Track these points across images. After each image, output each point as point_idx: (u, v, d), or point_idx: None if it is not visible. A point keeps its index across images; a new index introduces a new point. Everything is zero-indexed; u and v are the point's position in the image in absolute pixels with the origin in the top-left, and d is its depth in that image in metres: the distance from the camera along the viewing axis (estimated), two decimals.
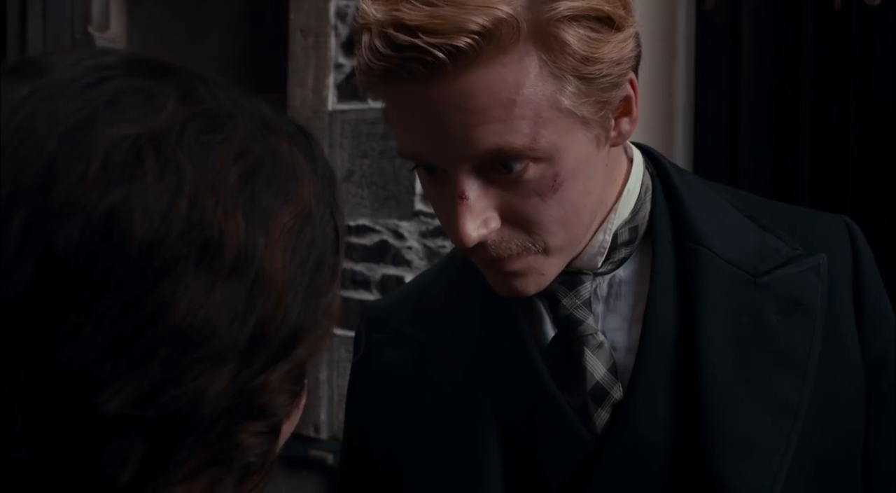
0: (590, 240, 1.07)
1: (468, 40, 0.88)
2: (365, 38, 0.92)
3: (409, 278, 3.09)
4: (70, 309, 0.55)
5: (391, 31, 0.89)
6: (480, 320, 1.14)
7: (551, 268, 1.03)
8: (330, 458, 3.24)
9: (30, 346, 0.55)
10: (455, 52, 0.88)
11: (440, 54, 0.88)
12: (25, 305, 0.54)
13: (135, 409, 0.56)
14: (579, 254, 1.07)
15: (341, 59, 3.25)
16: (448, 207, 0.98)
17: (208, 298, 0.58)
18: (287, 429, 0.69)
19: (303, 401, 0.71)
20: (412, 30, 0.88)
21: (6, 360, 0.55)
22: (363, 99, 3.18)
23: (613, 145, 1.03)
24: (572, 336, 1.08)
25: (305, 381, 0.69)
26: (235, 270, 0.59)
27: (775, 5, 2.75)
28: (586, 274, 1.08)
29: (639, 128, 1.04)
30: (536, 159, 0.95)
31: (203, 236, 0.58)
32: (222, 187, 0.60)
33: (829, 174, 2.67)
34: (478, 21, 0.88)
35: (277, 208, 0.63)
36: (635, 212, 1.09)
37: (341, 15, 3.23)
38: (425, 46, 0.88)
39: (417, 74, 0.90)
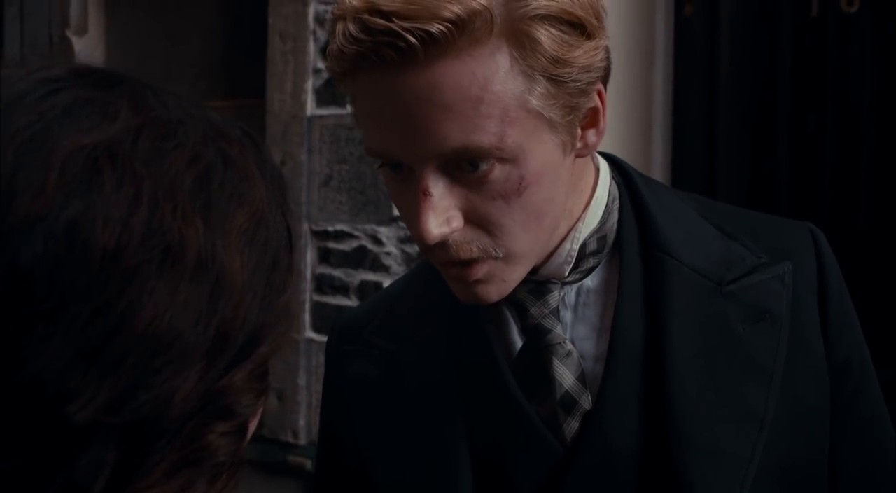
0: (556, 249, 1.07)
1: (441, 27, 0.89)
2: (339, 26, 0.93)
3: (387, 283, 3.08)
4: (38, 320, 0.55)
5: (366, 15, 0.90)
6: (450, 330, 1.14)
7: (513, 275, 1.03)
8: (308, 464, 3.23)
9: (0, 359, 0.55)
10: (427, 38, 0.89)
11: (412, 39, 0.89)
12: None
13: (106, 416, 0.57)
14: (546, 262, 1.07)
15: (320, 64, 3.24)
16: (411, 204, 0.98)
17: (172, 301, 0.59)
18: (252, 427, 0.70)
19: (265, 399, 0.72)
20: (387, 15, 0.89)
21: None
22: (342, 104, 3.17)
23: (579, 156, 1.04)
24: (540, 345, 1.08)
25: (269, 379, 0.70)
26: (197, 272, 0.60)
27: (753, 12, 2.77)
28: (554, 283, 1.09)
29: (616, 134, 1.05)
30: (502, 160, 0.95)
31: (164, 241, 0.59)
32: (179, 192, 0.61)
33: (806, 180, 2.68)
34: (452, 9, 0.89)
35: (233, 211, 0.64)
36: (603, 221, 1.10)
37: (320, 20, 3.23)
38: (398, 30, 0.89)
39: (389, 61, 0.91)
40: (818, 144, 2.66)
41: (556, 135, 0.98)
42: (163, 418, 0.59)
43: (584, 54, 0.96)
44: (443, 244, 0.98)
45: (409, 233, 3.04)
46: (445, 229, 0.97)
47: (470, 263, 1.00)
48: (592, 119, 1.02)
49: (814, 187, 2.67)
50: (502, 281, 1.02)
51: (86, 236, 0.56)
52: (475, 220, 0.98)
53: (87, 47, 4.10)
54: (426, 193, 0.96)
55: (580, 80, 0.96)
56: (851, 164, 2.61)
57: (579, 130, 1.01)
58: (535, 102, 0.94)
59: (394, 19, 0.89)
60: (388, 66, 0.92)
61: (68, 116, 0.60)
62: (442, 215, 0.96)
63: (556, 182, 1.00)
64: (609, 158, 1.17)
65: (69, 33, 4.16)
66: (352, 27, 0.92)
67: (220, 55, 3.78)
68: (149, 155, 0.61)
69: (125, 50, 4.07)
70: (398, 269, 3.06)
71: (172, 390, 0.59)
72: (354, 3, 0.92)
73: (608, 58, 1.02)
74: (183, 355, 0.59)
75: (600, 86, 1.01)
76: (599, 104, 1.01)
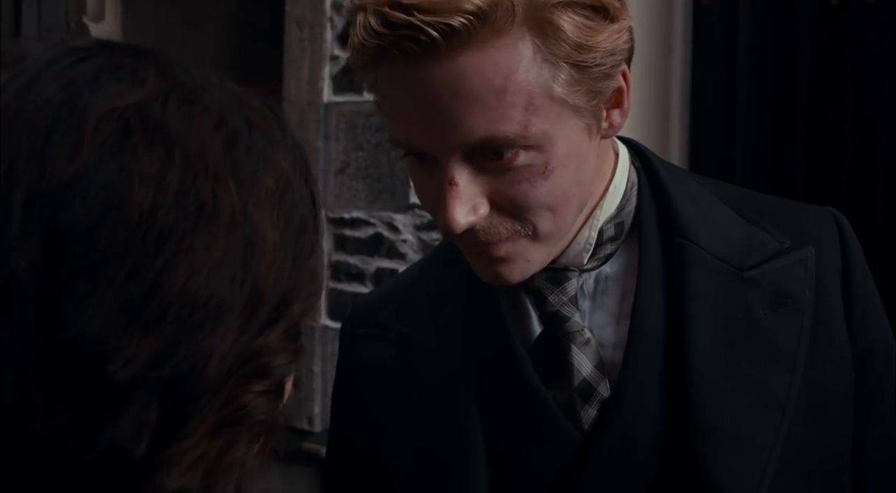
0: (575, 236, 1.07)
1: (462, 20, 0.88)
2: (360, 17, 0.93)
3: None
4: (77, 280, 0.56)
5: (387, 9, 0.90)
6: (467, 316, 1.14)
7: (537, 255, 1.02)
8: (323, 451, 3.23)
9: (41, 319, 0.56)
10: (449, 31, 0.89)
11: (434, 33, 0.89)
12: (34, 278, 0.56)
13: (147, 373, 0.58)
14: (565, 250, 1.07)
15: (337, 51, 3.24)
16: (437, 193, 0.98)
17: (208, 258, 0.60)
18: (287, 388, 0.71)
19: (299, 360, 0.73)
20: (408, 8, 0.89)
21: (19, 334, 0.56)
22: (359, 91, 3.17)
23: (604, 137, 1.04)
24: (559, 333, 1.08)
25: (302, 341, 0.71)
26: (231, 230, 0.61)
27: (772, 1, 2.75)
28: (572, 271, 1.08)
29: (634, 122, 1.05)
30: (527, 147, 0.95)
31: (198, 199, 0.60)
32: (209, 153, 0.62)
33: (825, 170, 2.67)
34: (474, 1, 0.89)
35: (260, 174, 0.65)
36: (621, 207, 1.09)
37: (337, 6, 3.22)
38: (420, 24, 0.89)
39: (411, 54, 0.91)
40: (836, 134, 2.65)
41: (581, 119, 0.98)
42: (202, 376, 0.60)
43: (608, 38, 0.95)
44: (470, 230, 0.98)
45: (425, 220, 3.04)
46: (472, 218, 0.97)
47: (496, 242, 1.00)
48: (617, 100, 1.02)
49: (832, 177, 2.66)
50: (525, 261, 1.02)
51: (121, 196, 0.57)
52: (501, 204, 0.98)
53: (104, 34, 4.11)
54: (452, 183, 0.96)
55: (604, 64, 0.96)
56: (870, 154, 2.60)
57: (604, 112, 1.01)
58: (559, 89, 0.94)
59: (415, 13, 0.89)
60: (409, 59, 0.92)
61: (98, 81, 0.61)
62: (468, 204, 0.97)
63: (582, 165, 1.00)
64: (628, 142, 1.16)
65: (86, 20, 4.17)
66: (372, 20, 0.91)
67: (236, 42, 3.78)
68: (178, 118, 0.62)
69: (142, 36, 4.08)
70: (414, 256, 3.06)
71: (211, 348, 0.60)
72: None
73: (632, 38, 1.01)
74: (220, 311, 0.60)
75: (625, 67, 1.01)
76: (624, 85, 1.01)
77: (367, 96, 3.13)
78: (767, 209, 1.15)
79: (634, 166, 1.13)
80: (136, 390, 0.58)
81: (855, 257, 1.13)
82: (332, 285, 3.27)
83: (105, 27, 4.15)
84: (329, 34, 3.26)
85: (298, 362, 0.71)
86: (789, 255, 1.10)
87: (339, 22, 3.22)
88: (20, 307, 0.56)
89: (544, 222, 1.00)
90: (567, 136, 0.97)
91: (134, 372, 0.57)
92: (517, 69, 0.92)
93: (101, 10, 4.17)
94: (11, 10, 4.41)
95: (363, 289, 3.18)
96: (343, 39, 3.22)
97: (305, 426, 3.30)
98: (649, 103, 2.82)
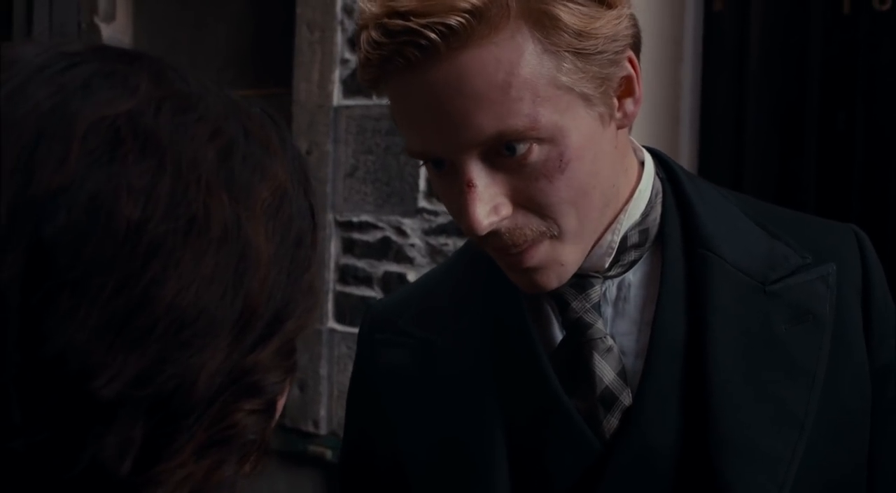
0: (598, 240, 1.06)
1: (459, 19, 0.90)
2: (364, 35, 0.95)
3: (411, 275, 3.08)
4: (61, 293, 0.54)
5: (386, 20, 0.92)
6: (489, 322, 1.14)
7: (570, 257, 1.02)
8: (329, 454, 3.24)
9: (23, 333, 0.54)
10: (447, 32, 0.90)
11: (432, 34, 0.90)
12: (16, 291, 0.54)
13: (132, 391, 0.56)
14: (588, 254, 1.06)
15: (347, 55, 3.24)
16: (458, 198, 0.98)
17: (198, 273, 0.58)
18: (280, 406, 0.69)
19: (293, 377, 0.71)
20: (404, 15, 0.91)
21: (0, 349, 0.54)
22: (368, 95, 3.17)
23: (620, 127, 1.04)
24: (581, 340, 1.07)
25: (296, 357, 0.69)
26: (222, 244, 0.60)
27: (784, 8, 2.74)
28: (596, 277, 1.08)
29: (644, 128, 1.05)
30: (540, 140, 0.95)
31: (189, 212, 0.58)
32: (202, 164, 0.60)
33: (835, 179, 2.66)
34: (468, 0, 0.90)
35: (256, 185, 0.63)
36: (646, 214, 1.09)
37: (348, 10, 3.22)
38: (418, 28, 0.90)
39: (413, 60, 0.92)
40: (847, 143, 2.64)
41: (593, 108, 0.98)
42: (190, 394, 0.58)
43: (608, 24, 0.96)
44: (495, 233, 0.99)
45: (433, 225, 3.04)
46: (494, 218, 0.97)
47: (525, 248, 1.00)
48: (627, 88, 1.02)
49: (842, 186, 2.65)
50: (560, 265, 1.02)
51: (109, 207, 0.56)
52: (523, 203, 0.99)
53: (115, 34, 4.12)
54: (470, 185, 0.97)
55: (607, 51, 0.97)
56: (880, 163, 2.59)
57: (615, 101, 1.01)
58: (564, 78, 0.95)
59: (412, 18, 0.90)
60: (413, 65, 0.93)
61: (88, 88, 0.60)
62: (489, 204, 0.97)
63: (598, 155, 1.00)
64: (654, 152, 1.16)
65: (97, 20, 4.17)
66: (374, 34, 0.93)
67: (247, 44, 3.78)
68: (171, 127, 0.60)
69: (152, 37, 4.08)
70: (422, 260, 3.06)
71: (200, 365, 0.58)
72: (374, 10, 0.93)
73: (635, 25, 1.02)
74: (209, 328, 0.59)
75: (631, 54, 1.01)
76: (633, 72, 1.01)
77: (377, 100, 3.13)
78: (790, 224, 1.15)
79: (659, 176, 1.13)
80: (121, 407, 0.56)
81: (875, 274, 1.13)
82: (340, 288, 3.27)
83: (116, 28, 4.15)
84: (339, 37, 3.26)
85: (292, 381, 0.69)
86: (811, 271, 1.10)
87: (350, 25, 3.22)
88: (1, 321, 0.54)
89: (568, 220, 1.00)
90: (579, 126, 0.97)
91: (119, 389, 0.55)
92: (519, 63, 0.93)
93: (112, 11, 4.17)
94: (23, 11, 4.42)
95: (370, 292, 3.18)
96: (353, 43, 3.22)
97: (311, 429, 3.30)
98: (659, 109, 2.81)
